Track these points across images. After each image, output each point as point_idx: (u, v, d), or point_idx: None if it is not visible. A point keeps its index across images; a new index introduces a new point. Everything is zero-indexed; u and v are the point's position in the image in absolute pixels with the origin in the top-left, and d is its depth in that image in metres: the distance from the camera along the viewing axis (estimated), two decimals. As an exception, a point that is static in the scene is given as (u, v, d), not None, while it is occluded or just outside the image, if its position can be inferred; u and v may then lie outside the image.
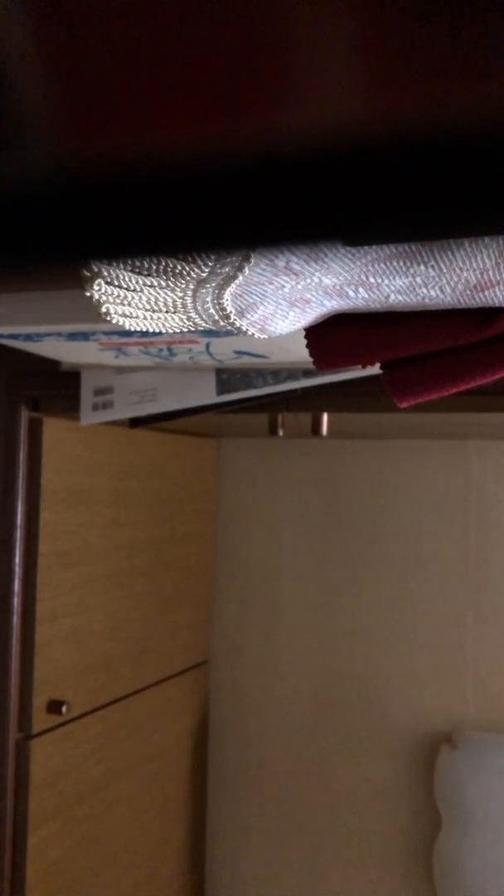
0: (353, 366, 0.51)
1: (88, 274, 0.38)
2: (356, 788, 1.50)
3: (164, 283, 0.38)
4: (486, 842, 1.31)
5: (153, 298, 0.40)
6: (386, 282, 0.41)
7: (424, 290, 0.41)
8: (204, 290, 0.39)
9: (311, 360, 0.49)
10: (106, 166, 0.16)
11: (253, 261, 0.37)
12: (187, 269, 0.37)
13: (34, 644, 1.06)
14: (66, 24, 0.15)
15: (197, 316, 0.42)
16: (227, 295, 0.40)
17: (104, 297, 0.38)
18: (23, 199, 0.17)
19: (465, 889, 1.31)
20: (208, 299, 0.40)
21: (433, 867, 1.38)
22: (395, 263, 0.39)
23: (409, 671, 1.48)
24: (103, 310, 0.39)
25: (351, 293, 0.42)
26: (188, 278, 0.38)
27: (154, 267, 0.37)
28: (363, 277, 0.40)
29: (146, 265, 0.37)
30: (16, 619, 1.06)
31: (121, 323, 0.41)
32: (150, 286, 0.39)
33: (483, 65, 0.15)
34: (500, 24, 0.14)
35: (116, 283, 0.38)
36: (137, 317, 0.41)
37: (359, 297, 0.42)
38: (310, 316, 0.45)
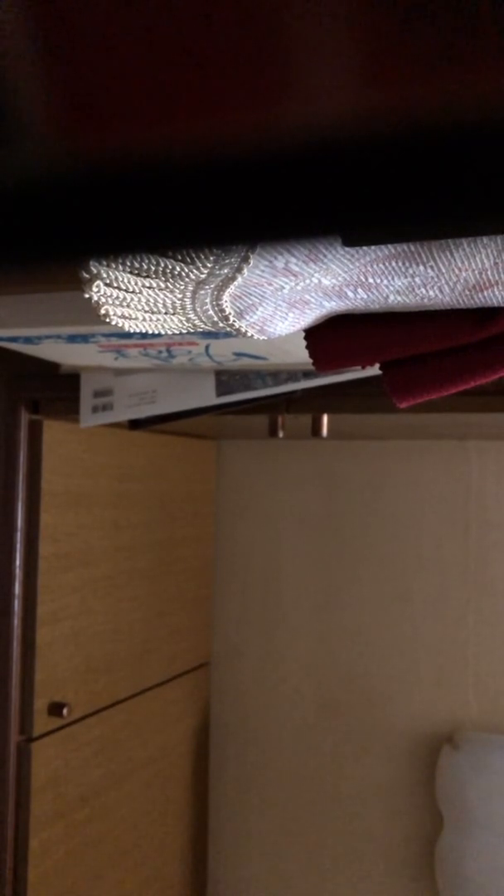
0: (352, 367, 0.51)
1: (87, 276, 0.38)
2: (358, 789, 1.50)
3: (162, 285, 0.38)
4: (488, 842, 1.31)
5: (152, 300, 0.40)
6: (385, 282, 0.41)
7: (423, 290, 0.41)
8: (203, 292, 0.39)
9: (310, 361, 0.49)
10: (104, 163, 0.16)
11: (252, 262, 0.37)
12: (186, 270, 0.37)
13: (35, 646, 1.06)
14: (63, 21, 0.15)
15: (196, 317, 0.42)
16: (226, 296, 0.40)
17: (103, 299, 0.38)
18: (20, 197, 0.17)
19: (467, 889, 1.31)
20: (207, 301, 0.40)
21: (435, 868, 1.38)
22: (393, 264, 0.39)
23: (411, 672, 1.48)
24: (102, 311, 0.39)
25: (350, 294, 0.42)
26: (187, 280, 0.38)
27: (153, 268, 0.37)
28: (362, 278, 0.40)
29: (145, 267, 0.37)
30: (16, 622, 1.06)
31: (120, 324, 0.41)
32: (149, 288, 0.39)
33: (482, 60, 0.15)
34: (498, 18, 0.14)
35: (115, 284, 0.38)
36: (136, 318, 0.41)
37: (358, 298, 0.42)
38: (309, 317, 0.45)
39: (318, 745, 1.52)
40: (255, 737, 1.57)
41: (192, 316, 0.42)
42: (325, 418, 1.04)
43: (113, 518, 1.23)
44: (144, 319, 0.41)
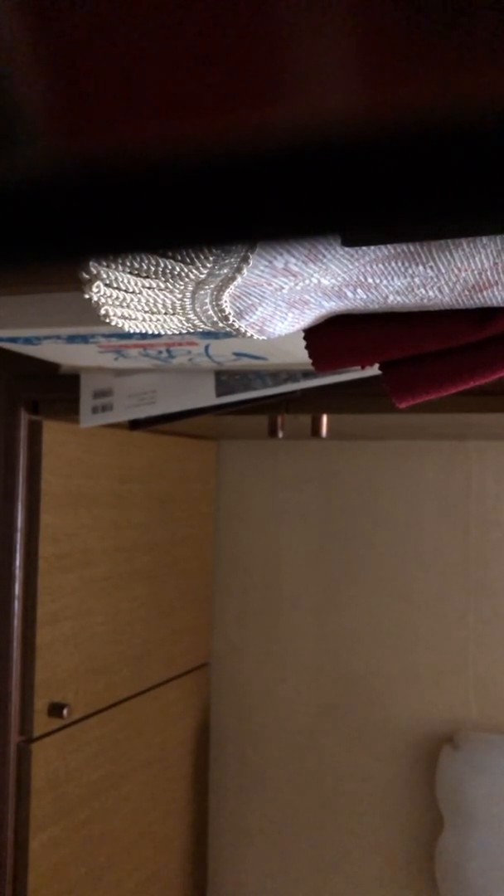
0: (352, 367, 0.51)
1: (87, 276, 0.38)
2: (358, 789, 1.50)
3: (162, 285, 0.38)
4: (488, 842, 1.31)
5: (152, 300, 0.40)
6: (384, 282, 0.41)
7: (423, 290, 0.41)
8: (202, 292, 0.39)
9: (310, 361, 0.50)
10: (103, 163, 0.16)
11: (251, 262, 0.37)
12: (186, 270, 0.37)
13: (35, 647, 1.06)
14: (61, 20, 0.15)
15: (196, 317, 0.42)
16: (226, 296, 0.40)
17: (103, 300, 0.38)
18: (20, 197, 0.17)
19: (467, 890, 1.31)
20: (207, 301, 0.40)
21: (435, 868, 1.38)
22: (393, 264, 0.39)
23: (411, 672, 1.48)
24: (102, 312, 0.39)
25: (349, 294, 0.42)
26: (187, 280, 0.38)
27: (152, 269, 0.37)
28: (362, 278, 0.40)
29: (144, 267, 0.37)
30: (16, 623, 1.06)
31: (120, 325, 0.41)
32: (149, 288, 0.39)
33: (482, 59, 0.15)
34: (500, 18, 0.14)
35: (115, 285, 0.38)
36: (136, 319, 0.41)
37: (357, 298, 0.42)
38: (309, 317, 0.45)
39: (318, 745, 1.52)
40: (254, 737, 1.57)
41: (191, 316, 0.42)
42: (324, 418, 1.04)
43: (113, 518, 1.23)
44: (144, 320, 0.41)
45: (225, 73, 0.15)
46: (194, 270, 0.37)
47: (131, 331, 0.41)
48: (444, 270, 0.39)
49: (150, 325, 0.42)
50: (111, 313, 0.39)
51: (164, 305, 0.40)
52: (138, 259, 0.37)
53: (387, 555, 1.50)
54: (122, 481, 1.25)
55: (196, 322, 0.43)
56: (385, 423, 1.13)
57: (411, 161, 0.16)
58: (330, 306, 0.44)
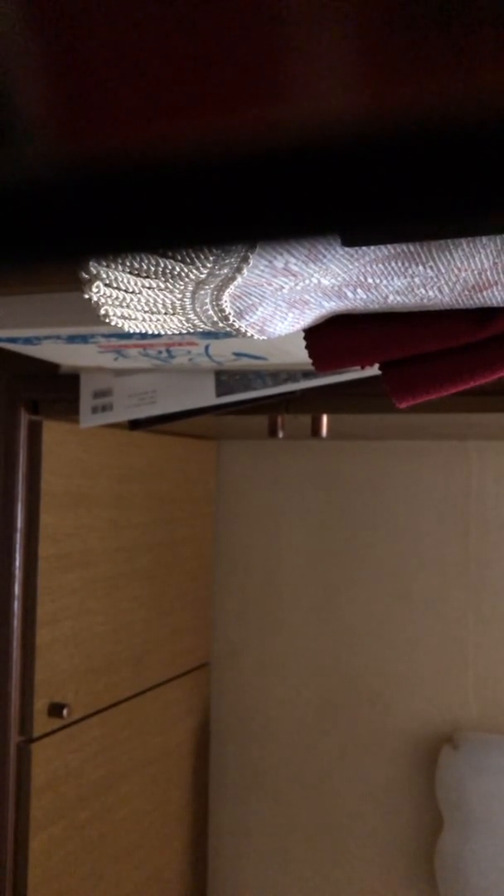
0: (352, 367, 0.51)
1: (87, 276, 0.38)
2: (358, 789, 1.50)
3: (162, 285, 0.38)
4: (488, 842, 1.31)
5: (152, 300, 0.40)
6: (384, 282, 0.41)
7: (423, 290, 0.41)
8: (202, 292, 0.39)
9: (310, 361, 0.50)
10: (103, 162, 0.16)
11: (251, 262, 0.37)
12: (186, 270, 0.37)
13: (35, 647, 1.06)
14: (61, 19, 0.15)
15: (196, 317, 0.42)
16: (226, 296, 0.40)
17: (103, 300, 0.38)
18: (20, 197, 0.17)
19: (467, 890, 1.31)
20: (207, 301, 0.40)
21: (435, 868, 1.38)
22: (393, 264, 0.39)
23: (411, 672, 1.48)
24: (102, 312, 0.39)
25: (350, 294, 0.42)
26: (187, 280, 0.38)
27: (152, 269, 0.37)
28: (362, 278, 0.40)
29: (144, 267, 0.37)
30: (16, 623, 1.06)
31: (120, 325, 0.41)
32: (149, 288, 0.39)
33: (482, 59, 0.15)
34: (498, 17, 0.14)
35: (115, 285, 0.38)
36: (136, 319, 0.41)
37: (357, 298, 0.42)
38: (309, 317, 0.45)
39: (318, 745, 1.52)
40: (254, 736, 1.57)
41: (191, 316, 0.42)
42: (324, 418, 1.04)
43: (113, 518, 1.23)
44: (144, 320, 0.41)
45: (225, 73, 0.15)
46: (194, 270, 0.37)
47: (131, 331, 0.41)
48: (444, 270, 0.39)
49: (150, 325, 0.42)
50: (111, 313, 0.39)
51: (164, 305, 0.40)
52: (138, 259, 0.37)
53: (387, 554, 1.50)
54: (122, 481, 1.25)
55: (196, 322, 0.43)
56: (385, 423, 1.13)
57: (411, 161, 0.16)
58: (330, 306, 0.44)
